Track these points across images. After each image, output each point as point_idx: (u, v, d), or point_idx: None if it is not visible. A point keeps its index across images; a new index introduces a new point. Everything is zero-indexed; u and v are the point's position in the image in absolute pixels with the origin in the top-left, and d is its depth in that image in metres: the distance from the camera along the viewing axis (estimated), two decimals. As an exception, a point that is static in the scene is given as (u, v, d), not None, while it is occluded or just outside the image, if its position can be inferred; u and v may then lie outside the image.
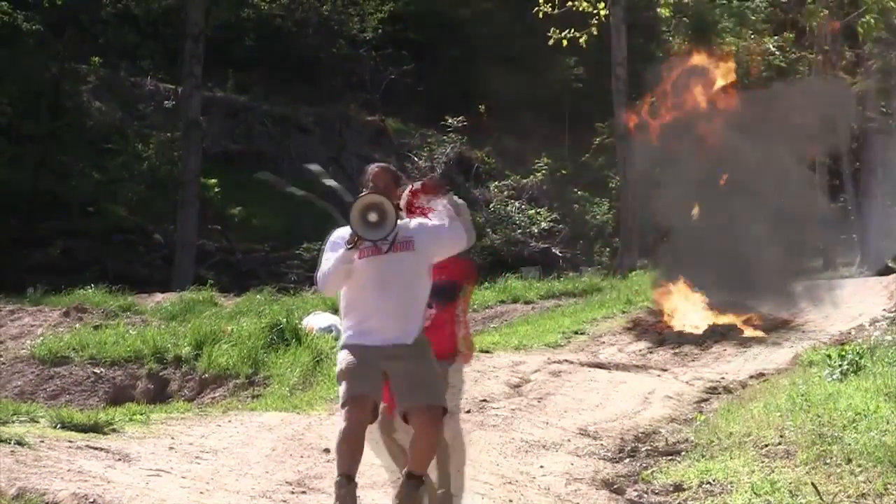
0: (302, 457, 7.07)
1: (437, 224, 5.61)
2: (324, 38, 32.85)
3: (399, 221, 5.39)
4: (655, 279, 16.65)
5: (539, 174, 30.82)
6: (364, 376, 5.27)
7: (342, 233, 5.52)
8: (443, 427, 5.36)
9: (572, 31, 21.05)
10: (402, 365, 5.29)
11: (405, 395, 5.29)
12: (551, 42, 21.23)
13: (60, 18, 26.83)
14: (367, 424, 5.28)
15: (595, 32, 21.25)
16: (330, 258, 5.41)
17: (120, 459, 6.49)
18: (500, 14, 34.76)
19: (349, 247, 5.26)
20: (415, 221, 5.60)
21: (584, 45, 21.43)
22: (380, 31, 33.28)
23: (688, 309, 15.11)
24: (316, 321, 13.23)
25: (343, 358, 5.41)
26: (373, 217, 5.25)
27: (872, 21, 21.34)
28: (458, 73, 34.67)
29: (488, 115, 33.27)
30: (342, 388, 5.34)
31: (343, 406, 5.28)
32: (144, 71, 30.68)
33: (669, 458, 7.50)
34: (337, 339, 12.13)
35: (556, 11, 21.13)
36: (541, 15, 21.12)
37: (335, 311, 16.43)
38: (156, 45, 30.34)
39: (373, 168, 5.68)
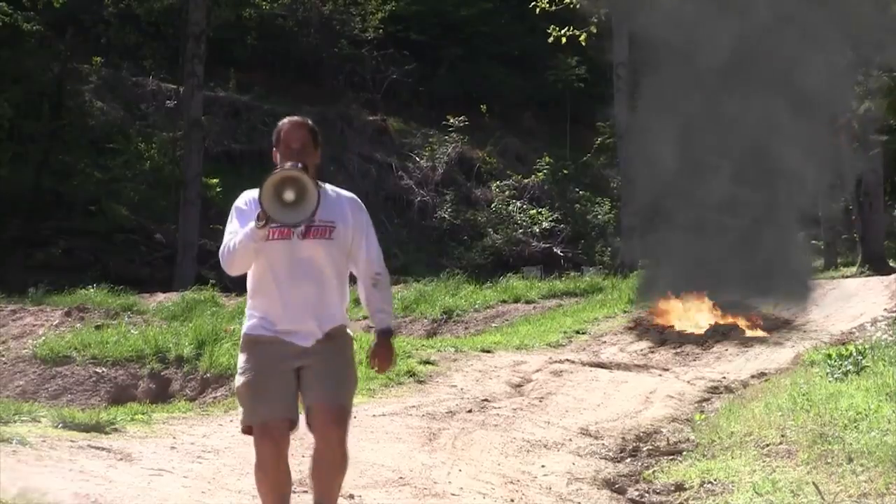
0: (304, 456, 7.03)
1: (373, 245, 4.75)
2: (325, 37, 32.88)
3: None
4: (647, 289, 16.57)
5: (540, 174, 30.83)
6: (272, 393, 4.49)
7: (254, 195, 4.56)
8: (346, 436, 4.56)
9: (571, 28, 21.01)
10: (316, 360, 4.54)
11: (308, 390, 4.55)
12: (551, 40, 21.19)
13: (62, 18, 26.85)
14: (286, 451, 4.55)
15: (594, 31, 21.20)
16: (237, 231, 4.54)
17: (122, 459, 6.50)
18: (502, 14, 34.78)
19: (260, 224, 4.39)
20: (345, 199, 4.71)
21: (584, 44, 21.40)
22: (381, 30, 33.29)
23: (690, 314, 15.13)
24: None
25: (244, 365, 4.58)
26: (289, 196, 4.35)
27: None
28: (460, 72, 34.69)
29: (490, 114, 33.30)
30: (244, 410, 4.55)
31: (249, 433, 4.54)
32: (146, 70, 30.70)
33: (671, 457, 7.50)
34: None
35: (553, 8, 21.10)
36: (538, 11, 21.08)
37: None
38: (157, 44, 30.37)
39: (285, 124, 4.72)
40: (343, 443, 4.53)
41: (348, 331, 4.77)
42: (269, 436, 4.49)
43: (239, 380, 4.59)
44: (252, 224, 4.43)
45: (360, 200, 4.79)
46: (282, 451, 4.53)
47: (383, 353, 4.73)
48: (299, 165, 4.47)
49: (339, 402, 4.54)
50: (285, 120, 4.75)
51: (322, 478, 4.59)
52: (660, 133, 17.27)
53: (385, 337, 4.73)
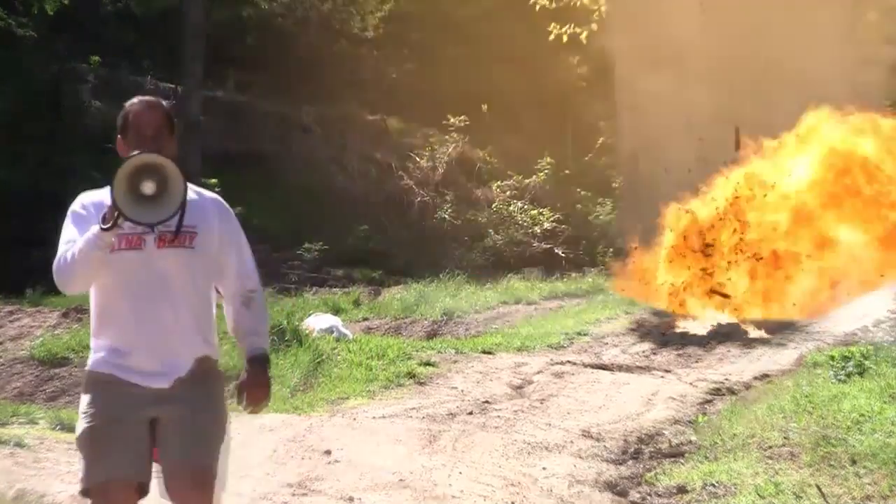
0: (303, 458, 7.03)
1: (245, 257, 3.94)
2: (325, 37, 32.85)
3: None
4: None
5: (541, 174, 30.80)
6: (118, 446, 3.63)
7: (93, 198, 3.85)
8: (211, 501, 3.73)
9: (573, 26, 20.98)
10: (176, 408, 3.69)
11: (167, 449, 3.70)
12: (552, 37, 21.16)
13: (59, 18, 26.82)
14: None
15: (595, 28, 21.18)
16: (75, 238, 3.69)
17: (119, 461, 6.45)
18: (503, 13, 34.76)
19: (106, 226, 3.55)
20: (208, 201, 3.91)
21: (585, 42, 21.39)
22: (381, 30, 33.28)
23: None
24: (317, 322, 13.20)
25: (87, 410, 3.70)
26: (149, 188, 3.55)
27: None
28: (460, 72, 34.67)
29: (490, 114, 33.27)
30: (83, 466, 3.66)
31: (86, 495, 3.66)
32: (144, 70, 30.67)
33: (673, 459, 7.46)
34: (338, 339, 12.10)
35: (553, 5, 21.08)
36: (537, 8, 21.07)
37: (337, 311, 16.41)
38: (156, 44, 30.35)
39: (134, 105, 3.92)
40: None
41: (217, 365, 3.94)
42: (110, 498, 3.61)
43: (79, 427, 3.71)
44: (95, 227, 3.60)
45: (226, 204, 3.99)
46: None
47: (256, 387, 3.84)
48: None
49: (203, 462, 3.69)
50: (134, 100, 3.95)
51: None
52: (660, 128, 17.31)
53: (258, 365, 3.85)
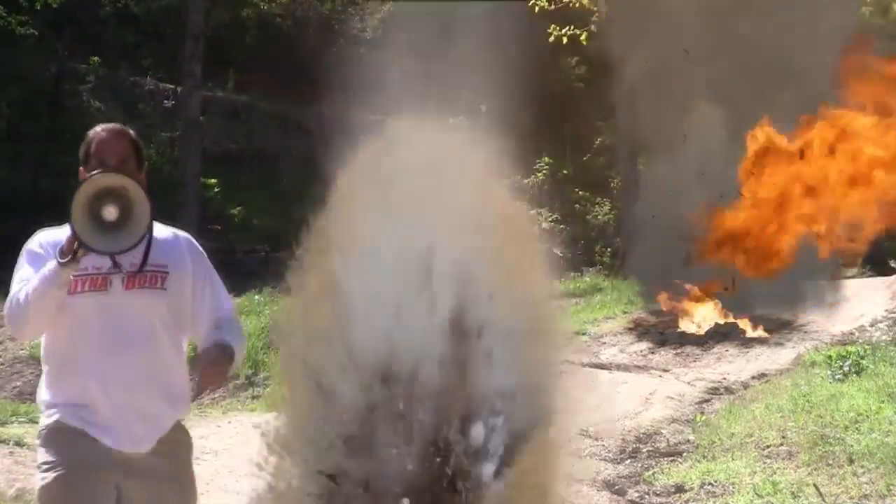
0: (302, 458, 7.03)
1: (219, 292, 3.59)
2: (324, 37, 32.86)
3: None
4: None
5: (540, 175, 30.81)
6: (95, 498, 3.21)
7: (51, 237, 3.38)
8: None
9: (572, 28, 20.97)
10: (140, 488, 3.31)
11: None
12: (551, 39, 21.14)
13: (60, 18, 26.84)
14: None
15: (595, 30, 21.16)
16: (30, 278, 3.23)
17: (119, 460, 6.46)
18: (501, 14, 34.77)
19: (64, 260, 3.11)
20: (182, 240, 3.57)
21: (584, 43, 21.38)
22: (380, 30, 33.30)
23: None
24: (316, 321, 13.19)
25: (51, 460, 3.24)
26: (111, 213, 3.16)
27: None
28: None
29: (488, 114, 33.29)
30: None
31: None
32: (144, 70, 30.68)
33: (671, 458, 7.48)
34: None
35: (552, 7, 21.07)
36: (536, 10, 21.06)
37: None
38: (156, 44, 30.36)
39: (98, 133, 3.45)
40: None
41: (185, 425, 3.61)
42: None
43: (45, 478, 3.22)
44: (52, 262, 3.16)
45: (197, 243, 3.66)
46: None
47: (214, 365, 3.45)
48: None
49: None
50: (98, 128, 3.51)
51: None
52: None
53: (220, 349, 3.44)
